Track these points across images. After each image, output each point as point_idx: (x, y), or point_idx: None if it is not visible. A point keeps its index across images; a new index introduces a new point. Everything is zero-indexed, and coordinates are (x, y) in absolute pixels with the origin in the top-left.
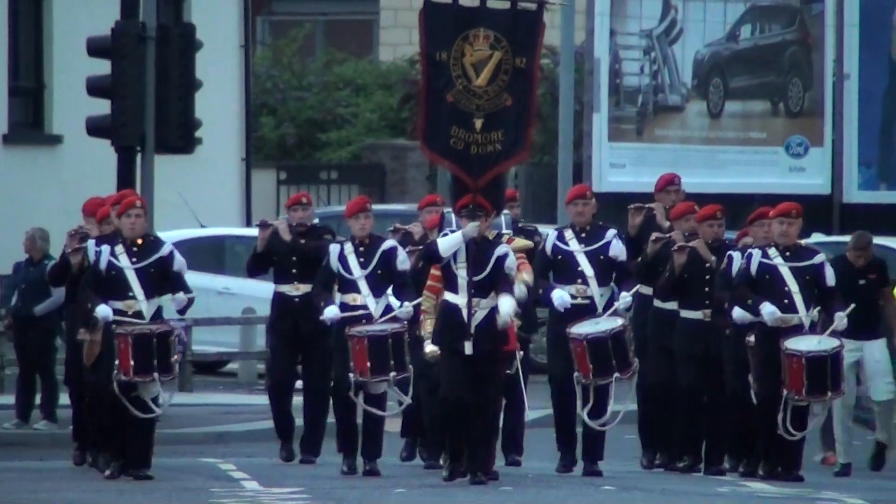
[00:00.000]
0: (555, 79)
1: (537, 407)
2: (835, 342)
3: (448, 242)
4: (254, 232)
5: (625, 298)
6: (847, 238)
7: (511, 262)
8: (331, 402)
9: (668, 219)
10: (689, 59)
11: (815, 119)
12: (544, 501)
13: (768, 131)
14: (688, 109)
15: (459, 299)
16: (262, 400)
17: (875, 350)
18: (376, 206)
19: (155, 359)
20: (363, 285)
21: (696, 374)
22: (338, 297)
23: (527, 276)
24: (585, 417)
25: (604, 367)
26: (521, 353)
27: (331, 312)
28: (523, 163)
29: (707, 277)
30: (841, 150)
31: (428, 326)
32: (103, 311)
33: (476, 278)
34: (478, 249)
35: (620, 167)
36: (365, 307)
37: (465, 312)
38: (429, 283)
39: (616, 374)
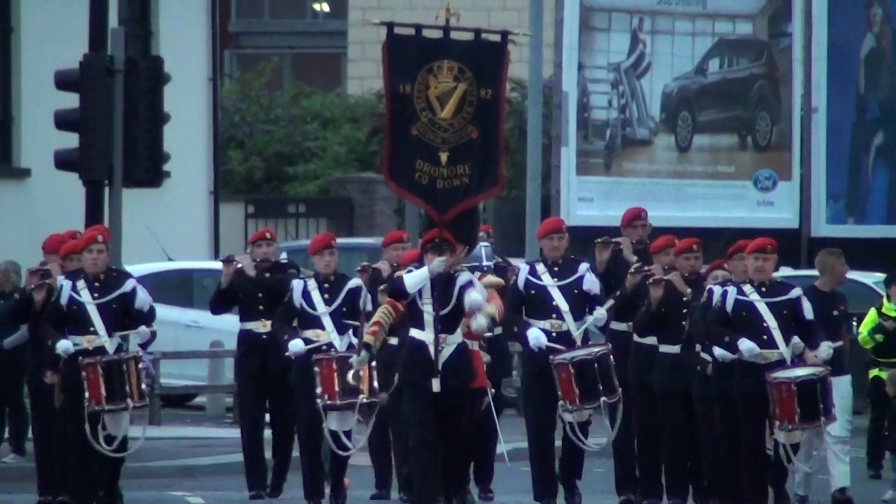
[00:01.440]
0: (523, 112)
1: (511, 440)
2: (821, 368)
3: (414, 278)
4: (222, 265)
5: (599, 311)
6: (814, 272)
7: (477, 284)
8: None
9: (648, 253)
10: (657, 93)
11: (783, 153)
12: None
13: (736, 165)
14: (656, 143)
15: (426, 336)
16: (231, 433)
17: (841, 386)
18: (344, 240)
19: (127, 385)
20: (327, 321)
21: (677, 411)
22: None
23: (492, 308)
24: (572, 436)
25: (590, 392)
26: (493, 390)
27: (296, 347)
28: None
29: (684, 311)
30: (809, 184)
31: (368, 338)
32: (64, 345)
33: (442, 312)
34: (442, 284)
35: (588, 201)
36: (329, 344)
37: (431, 349)
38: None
39: (603, 399)
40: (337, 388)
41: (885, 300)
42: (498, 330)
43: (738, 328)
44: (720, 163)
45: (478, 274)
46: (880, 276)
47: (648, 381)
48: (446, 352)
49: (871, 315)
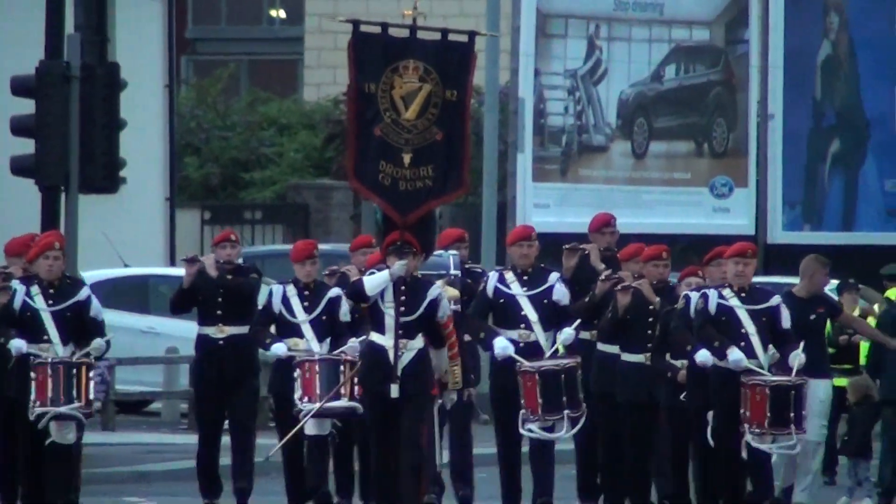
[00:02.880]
0: (479, 118)
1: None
2: (797, 377)
3: (374, 281)
4: (178, 271)
5: (567, 331)
6: (771, 279)
7: (444, 308)
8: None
9: (616, 260)
10: (613, 100)
11: (739, 159)
12: None
13: (693, 172)
14: (612, 149)
15: (386, 340)
16: (186, 439)
17: (820, 389)
18: None
19: (74, 389)
20: (307, 329)
21: (640, 420)
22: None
23: (457, 370)
24: (537, 431)
25: (553, 404)
26: (440, 400)
27: (279, 350)
28: (448, 203)
29: (650, 319)
30: (765, 191)
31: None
32: (17, 343)
33: (406, 319)
34: (408, 289)
35: (545, 207)
36: (308, 351)
37: (391, 354)
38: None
39: (566, 412)
40: (318, 391)
41: None
42: (467, 337)
43: (719, 333)
44: (676, 169)
45: (440, 282)
46: (835, 282)
47: (610, 390)
48: (406, 357)
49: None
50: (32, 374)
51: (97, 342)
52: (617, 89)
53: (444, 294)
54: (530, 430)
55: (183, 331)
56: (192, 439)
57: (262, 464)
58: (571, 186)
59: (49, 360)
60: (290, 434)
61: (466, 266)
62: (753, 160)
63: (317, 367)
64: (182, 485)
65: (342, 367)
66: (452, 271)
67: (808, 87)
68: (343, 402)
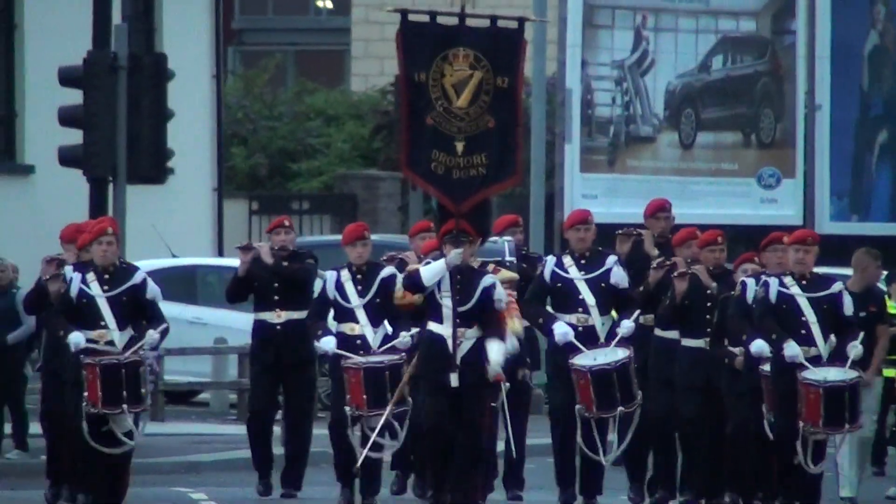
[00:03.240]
0: (527, 109)
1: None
2: (853, 373)
3: (431, 271)
4: (226, 261)
5: (626, 325)
6: (818, 269)
7: (500, 294)
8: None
9: (669, 245)
10: (660, 90)
11: (786, 150)
12: None
13: (740, 162)
14: (659, 140)
15: (444, 329)
16: (234, 429)
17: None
18: None
19: (124, 390)
20: (361, 314)
21: (698, 405)
22: (333, 326)
23: (517, 323)
24: (587, 450)
25: (607, 401)
26: (507, 384)
27: (328, 344)
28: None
29: (708, 304)
30: (813, 182)
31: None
32: (76, 338)
33: (461, 309)
34: (462, 278)
35: (592, 198)
36: (363, 337)
37: (450, 343)
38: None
39: (620, 408)
40: (365, 398)
41: (887, 298)
42: (518, 349)
43: (778, 322)
44: (724, 160)
45: (491, 266)
46: (884, 273)
47: (669, 375)
48: (465, 346)
49: None
50: (84, 373)
51: (151, 336)
52: (664, 80)
53: (498, 282)
54: (586, 428)
55: (231, 321)
56: (241, 430)
57: (312, 453)
58: (619, 177)
59: (99, 361)
60: (364, 451)
61: (522, 251)
62: (801, 151)
63: (361, 375)
64: (231, 475)
65: (387, 374)
66: (508, 258)
67: (856, 77)
68: (391, 409)
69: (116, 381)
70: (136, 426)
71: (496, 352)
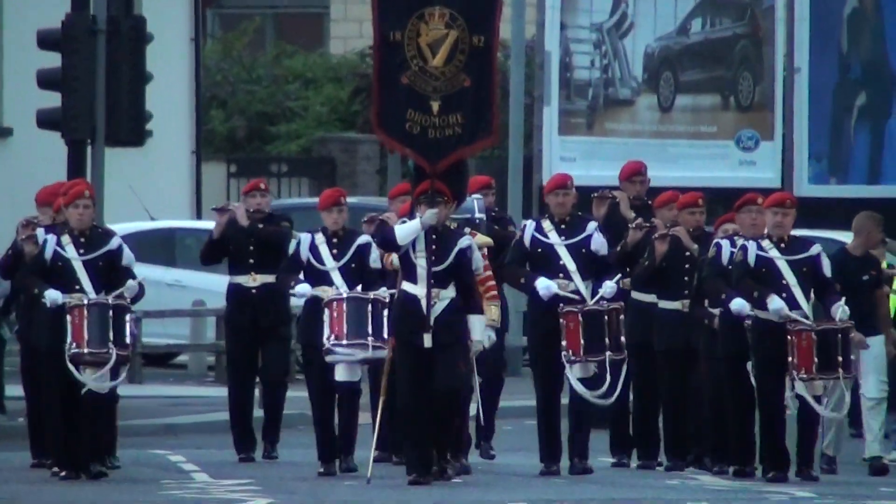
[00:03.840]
0: (505, 72)
1: (515, 399)
2: (844, 322)
3: (405, 230)
4: (204, 224)
5: (609, 285)
6: (796, 232)
7: (477, 260)
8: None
9: (646, 208)
10: (639, 53)
11: (765, 113)
12: (487, 498)
13: (719, 125)
14: (638, 103)
15: (418, 290)
16: (212, 392)
17: (874, 346)
18: None
19: (111, 331)
20: (336, 276)
21: (677, 369)
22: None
23: (495, 311)
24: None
25: (596, 344)
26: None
27: (303, 288)
28: (481, 151)
29: (687, 266)
30: (791, 144)
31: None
32: (52, 294)
33: (436, 269)
34: (438, 238)
35: (571, 161)
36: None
37: (423, 304)
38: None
39: (608, 353)
40: (345, 329)
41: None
42: (492, 340)
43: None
44: (702, 123)
45: (467, 229)
46: (797, 236)
47: (646, 339)
48: (439, 307)
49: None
50: (68, 318)
51: (130, 283)
52: (643, 43)
53: (475, 245)
54: (575, 381)
55: (209, 284)
56: (220, 392)
57: (288, 416)
58: (597, 140)
59: (85, 301)
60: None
61: (493, 213)
62: (780, 113)
63: (344, 306)
64: (209, 437)
65: (369, 307)
66: (477, 214)
67: (835, 40)
68: (370, 353)
69: (103, 322)
70: (115, 384)
71: (479, 329)
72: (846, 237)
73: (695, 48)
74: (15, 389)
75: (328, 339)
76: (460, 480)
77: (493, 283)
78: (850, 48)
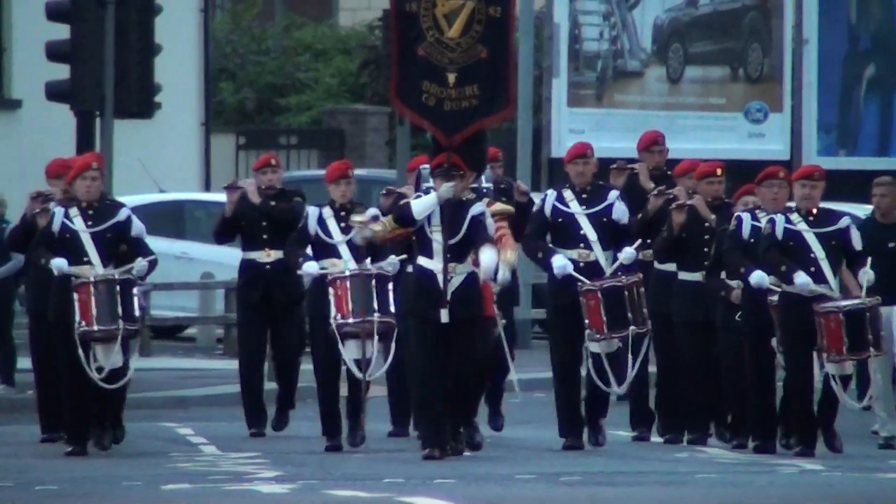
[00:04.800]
0: (514, 43)
1: (524, 371)
2: (870, 297)
3: (422, 205)
4: (213, 197)
5: (628, 251)
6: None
7: (490, 226)
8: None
9: (665, 178)
10: (648, 25)
11: (774, 85)
12: (483, 470)
13: (727, 97)
14: (647, 75)
15: (434, 265)
16: (221, 364)
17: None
18: None
19: (119, 307)
20: (344, 250)
21: (698, 340)
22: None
23: (511, 254)
24: (600, 384)
25: (619, 320)
26: (504, 320)
27: (310, 267)
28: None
29: (706, 237)
30: (800, 116)
31: (376, 226)
32: (58, 262)
33: (451, 241)
34: (452, 211)
35: (580, 133)
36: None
37: (440, 279)
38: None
39: (632, 328)
40: (350, 307)
41: None
42: (509, 281)
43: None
44: (711, 94)
45: (486, 200)
46: (826, 208)
47: (667, 310)
48: (455, 281)
49: None
50: (75, 295)
51: (140, 262)
52: (652, 14)
53: (488, 211)
54: (595, 358)
55: (218, 256)
56: (228, 364)
57: (297, 389)
58: (606, 112)
59: (91, 278)
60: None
61: (501, 186)
62: (788, 85)
63: (348, 284)
64: (218, 410)
65: (374, 282)
66: (485, 184)
67: (843, 11)
68: (377, 317)
69: (111, 298)
70: (126, 357)
71: (488, 258)
72: (855, 209)
73: (704, 20)
74: (23, 362)
75: (335, 318)
76: (470, 454)
77: (505, 231)
78: (858, 19)
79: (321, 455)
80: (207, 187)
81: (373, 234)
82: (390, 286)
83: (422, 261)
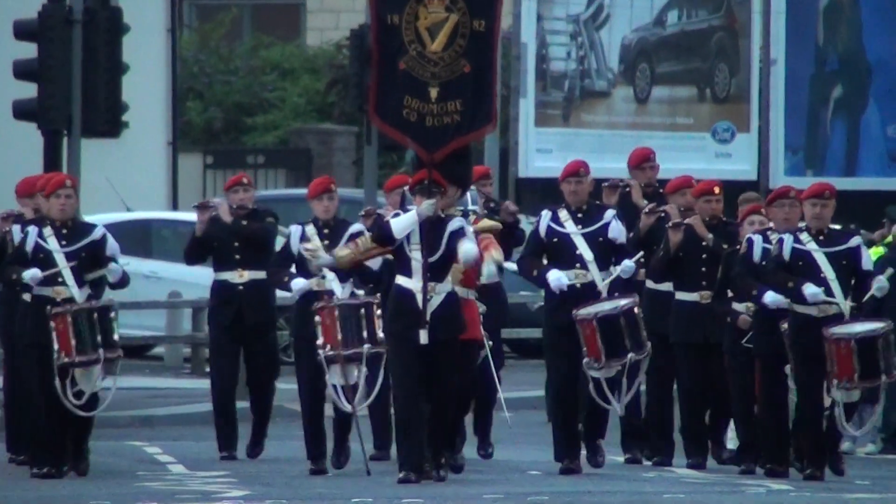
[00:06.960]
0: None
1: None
2: (883, 323)
3: (402, 223)
4: (180, 215)
5: (627, 264)
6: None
7: (469, 231)
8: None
9: (657, 195)
10: (615, 45)
11: (741, 105)
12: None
13: (695, 117)
14: (614, 95)
15: (413, 284)
16: (189, 384)
17: None
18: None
19: (98, 335)
20: (328, 269)
21: (694, 362)
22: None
23: (496, 254)
24: (600, 401)
25: (616, 348)
26: (491, 342)
27: (299, 284)
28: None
29: (703, 256)
30: (767, 137)
31: (342, 250)
32: (31, 273)
33: (431, 259)
34: (431, 229)
35: (547, 152)
36: (330, 292)
37: (419, 298)
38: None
39: (630, 355)
40: (339, 338)
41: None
42: (496, 278)
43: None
44: (678, 114)
45: (472, 217)
46: (837, 227)
47: (662, 329)
48: (435, 301)
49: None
50: (52, 324)
51: (113, 266)
52: (619, 34)
53: (467, 225)
54: (595, 381)
55: (185, 275)
56: (195, 384)
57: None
58: (573, 131)
59: (69, 309)
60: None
61: (491, 204)
62: (756, 105)
63: (336, 313)
64: (186, 429)
65: (362, 311)
66: (471, 206)
67: (811, 32)
68: (367, 348)
69: (89, 327)
70: (103, 380)
71: (467, 246)
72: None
73: (671, 40)
74: None
75: (323, 347)
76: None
77: (491, 241)
78: (826, 40)
79: (290, 474)
80: (175, 206)
81: (331, 260)
82: (378, 312)
83: (401, 280)
